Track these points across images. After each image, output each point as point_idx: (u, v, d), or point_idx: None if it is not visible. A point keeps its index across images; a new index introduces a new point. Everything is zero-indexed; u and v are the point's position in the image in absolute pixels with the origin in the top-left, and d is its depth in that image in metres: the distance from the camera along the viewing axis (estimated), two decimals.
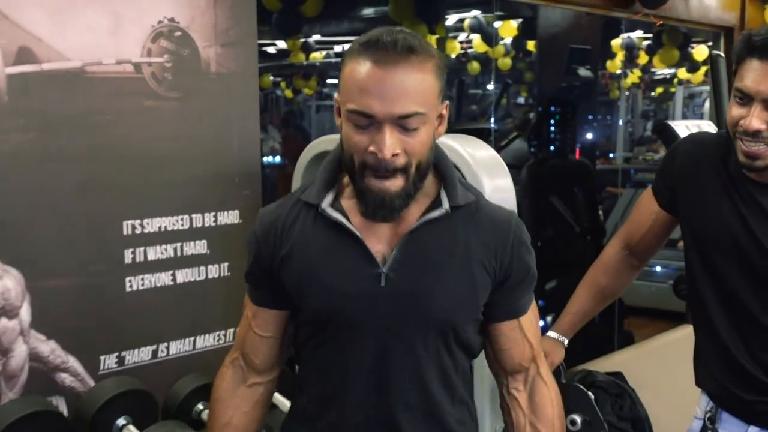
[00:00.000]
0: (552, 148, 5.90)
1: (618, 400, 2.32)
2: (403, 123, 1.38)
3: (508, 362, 1.63)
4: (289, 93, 11.84)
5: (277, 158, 8.26)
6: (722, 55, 3.83)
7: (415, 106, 1.38)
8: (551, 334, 2.17)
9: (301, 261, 1.53)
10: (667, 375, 2.27)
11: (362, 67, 1.39)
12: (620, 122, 10.82)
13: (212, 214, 2.39)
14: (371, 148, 1.39)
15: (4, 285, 2.01)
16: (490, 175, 2.18)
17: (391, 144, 1.37)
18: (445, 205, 1.51)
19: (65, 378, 2.15)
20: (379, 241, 1.51)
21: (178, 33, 2.29)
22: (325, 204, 1.51)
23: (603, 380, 2.35)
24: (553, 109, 6.05)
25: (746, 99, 1.71)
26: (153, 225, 2.27)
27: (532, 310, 1.64)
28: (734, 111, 1.74)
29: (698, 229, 1.93)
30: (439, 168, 1.55)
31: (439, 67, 1.45)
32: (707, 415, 1.97)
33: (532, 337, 1.63)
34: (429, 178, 1.52)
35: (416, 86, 1.39)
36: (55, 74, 2.06)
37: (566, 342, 2.16)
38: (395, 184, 1.42)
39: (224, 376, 1.68)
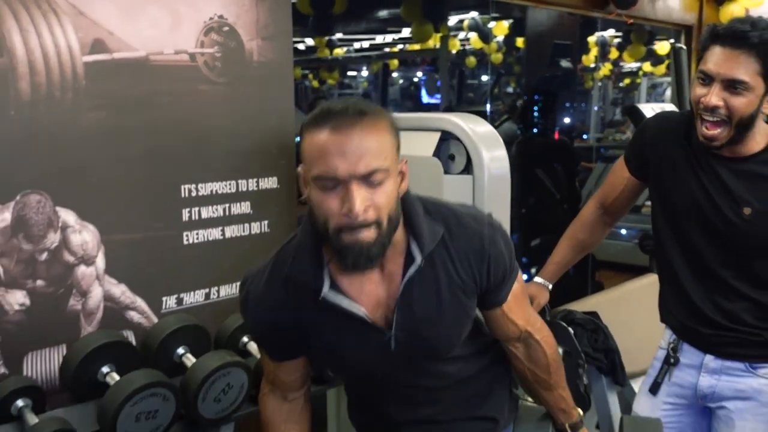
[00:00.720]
0: (536, 129, 5.92)
1: (593, 334, 2.36)
2: (367, 180, 1.27)
3: (500, 335, 1.65)
4: (315, 83, 11.81)
5: None
6: (684, 47, 3.81)
7: (376, 163, 1.27)
8: (538, 279, 2.18)
9: (318, 340, 1.49)
10: (633, 314, 2.29)
11: (321, 135, 1.27)
12: (594, 108, 10.74)
13: (254, 179, 2.40)
14: (344, 211, 1.27)
15: (83, 238, 2.03)
16: (488, 147, 2.20)
17: (360, 202, 1.26)
18: (418, 259, 1.41)
19: (134, 315, 2.17)
20: (371, 302, 1.45)
21: (226, 28, 2.29)
22: (326, 290, 1.40)
23: (581, 318, 2.37)
24: (536, 97, 6.06)
25: (708, 80, 1.71)
26: (206, 189, 2.28)
27: (513, 294, 1.58)
28: (697, 90, 1.74)
29: (665, 194, 1.93)
30: (405, 218, 1.43)
31: (392, 125, 1.35)
32: (670, 346, 1.99)
33: (516, 317, 1.60)
34: (399, 230, 1.41)
35: (373, 144, 1.28)
36: (123, 62, 2.06)
37: (550, 286, 2.18)
38: (368, 235, 1.30)
39: (267, 401, 1.66)
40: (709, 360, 1.91)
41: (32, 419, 1.78)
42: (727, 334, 1.86)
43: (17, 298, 1.93)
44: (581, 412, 1.71)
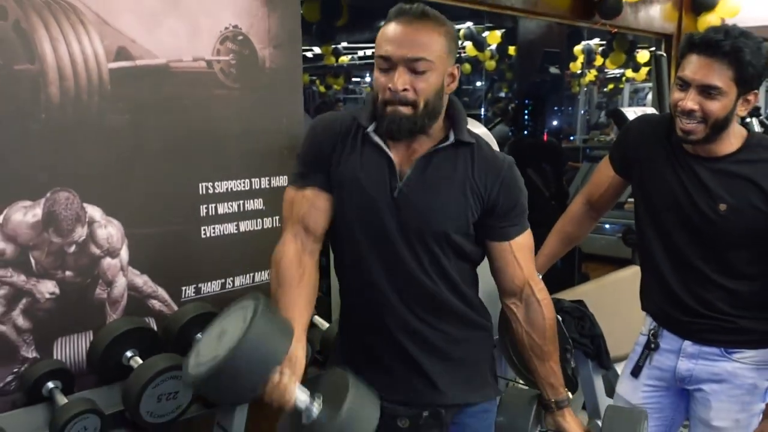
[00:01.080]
0: (526, 131, 5.93)
1: (580, 321, 2.35)
2: (412, 66, 1.44)
3: (503, 281, 1.64)
4: (322, 88, 11.79)
5: None
6: (664, 54, 3.81)
7: (422, 53, 1.44)
8: None
9: (349, 166, 1.57)
10: (616, 303, 2.29)
11: (389, 26, 1.47)
12: (580, 112, 10.73)
13: (267, 178, 2.41)
14: (389, 86, 1.45)
15: (108, 232, 2.04)
16: None
17: (401, 81, 1.44)
18: (451, 138, 1.55)
19: (155, 303, 2.18)
20: (401, 162, 1.56)
21: (241, 37, 2.29)
22: (370, 129, 1.55)
23: (568, 306, 2.37)
24: (527, 101, 6.07)
25: (685, 85, 1.72)
26: (222, 187, 2.29)
27: (524, 238, 1.63)
28: (675, 95, 1.75)
29: (647, 191, 1.93)
30: (452, 115, 1.58)
31: (449, 32, 1.51)
32: (651, 332, 1.99)
33: (522, 260, 1.62)
34: (441, 122, 1.57)
35: (425, 39, 1.45)
36: (146, 68, 2.07)
37: (540, 277, 2.18)
38: (404, 110, 1.47)
39: (289, 246, 1.62)
40: (687, 345, 1.91)
41: (62, 400, 1.79)
42: (704, 321, 1.87)
43: (48, 287, 1.94)
44: (570, 394, 1.69)
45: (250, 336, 1.21)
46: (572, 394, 2.28)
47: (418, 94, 1.46)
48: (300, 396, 1.31)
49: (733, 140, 1.79)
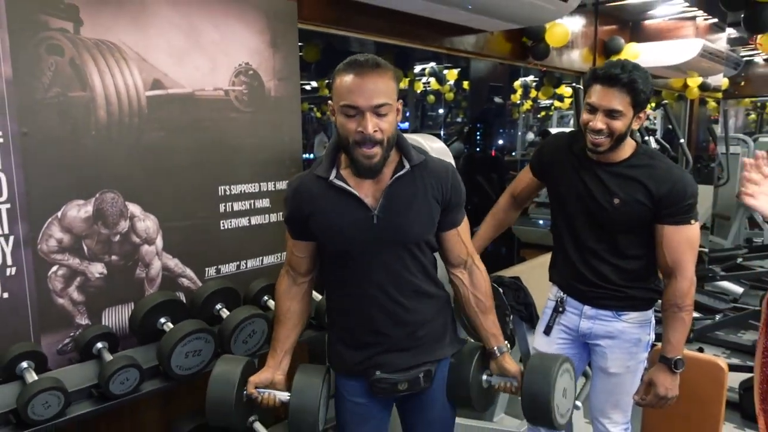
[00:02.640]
0: (477, 148, 5.95)
1: (516, 292, 2.36)
2: (377, 111, 1.38)
3: (452, 257, 1.62)
4: (318, 114, 11.76)
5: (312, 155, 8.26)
6: (582, 88, 3.83)
7: (384, 98, 1.38)
8: None
9: (322, 216, 1.50)
10: (544, 279, 2.29)
11: (348, 78, 1.38)
12: (519, 132, 10.79)
13: (272, 182, 2.38)
14: (359, 129, 1.38)
15: (146, 225, 2.01)
16: (442, 158, 2.19)
17: (372, 125, 1.37)
18: (407, 165, 1.49)
19: (184, 281, 2.15)
20: (368, 195, 1.49)
21: (251, 72, 2.27)
22: (332, 177, 1.48)
23: (508, 281, 2.37)
24: (478, 125, 6.08)
25: (593, 109, 1.73)
26: (237, 189, 2.26)
27: (465, 222, 1.62)
28: (585, 116, 1.76)
29: (558, 190, 1.94)
30: (400, 144, 1.51)
31: (395, 76, 1.45)
32: (558, 299, 2.00)
33: (465, 240, 1.62)
34: (393, 150, 1.49)
35: (383, 86, 1.38)
36: (175, 96, 2.05)
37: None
38: (376, 151, 1.41)
39: (282, 281, 1.66)
40: (587, 309, 1.93)
41: (108, 357, 1.76)
42: (599, 290, 1.89)
43: (97, 269, 1.91)
44: (508, 344, 1.68)
45: (210, 386, 1.55)
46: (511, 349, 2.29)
47: (383, 133, 1.40)
48: (281, 396, 1.56)
49: (626, 149, 1.80)
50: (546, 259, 2.19)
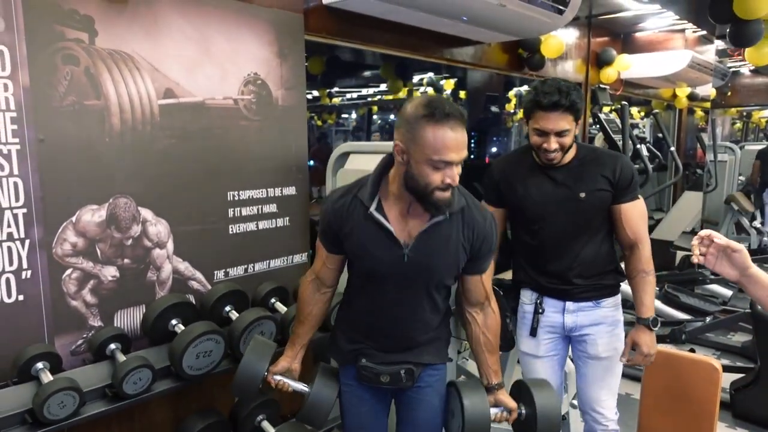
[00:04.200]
0: (473, 155, 5.97)
1: (516, 295, 2.33)
2: (459, 163, 1.39)
3: (471, 297, 1.62)
4: (319, 122, 11.75)
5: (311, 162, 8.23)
6: None
7: (465, 153, 1.39)
8: None
9: (356, 239, 1.51)
10: None
11: (442, 132, 1.35)
12: (513, 141, 10.81)
13: (279, 188, 2.38)
14: (446, 180, 1.38)
15: (158, 229, 2.01)
16: None
17: (456, 176, 1.39)
18: (447, 214, 1.48)
19: (194, 284, 2.15)
20: (403, 230, 1.49)
21: (260, 81, 2.27)
22: (372, 208, 1.48)
23: (507, 284, 2.35)
24: (474, 133, 6.09)
25: (543, 134, 1.81)
26: (245, 194, 2.26)
27: (491, 268, 1.63)
28: (536, 139, 1.84)
29: (520, 200, 1.95)
30: None
31: None
32: (536, 301, 2.01)
33: (487, 285, 1.62)
34: None
35: (465, 140, 1.38)
36: (187, 105, 2.05)
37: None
38: (450, 194, 1.42)
39: (307, 287, 1.66)
40: (570, 305, 1.97)
41: (121, 357, 1.75)
42: (579, 287, 1.94)
43: (110, 272, 1.90)
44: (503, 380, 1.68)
45: (241, 366, 1.59)
46: (511, 349, 2.27)
47: (456, 180, 1.41)
48: (295, 385, 1.63)
49: (571, 152, 1.89)
50: None
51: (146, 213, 1.97)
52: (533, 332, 2.03)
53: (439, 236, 1.49)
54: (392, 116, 12.77)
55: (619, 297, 2.01)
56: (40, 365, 1.63)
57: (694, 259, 1.37)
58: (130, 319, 1.97)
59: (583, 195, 1.86)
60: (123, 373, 1.65)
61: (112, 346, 1.79)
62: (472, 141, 6.05)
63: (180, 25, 2.01)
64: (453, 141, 1.34)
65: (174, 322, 1.90)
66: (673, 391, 1.99)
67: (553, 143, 1.79)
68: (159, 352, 1.85)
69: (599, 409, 2.02)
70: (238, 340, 1.87)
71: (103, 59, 1.83)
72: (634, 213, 1.88)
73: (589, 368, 2.02)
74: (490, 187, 2.04)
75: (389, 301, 1.55)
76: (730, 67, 6.29)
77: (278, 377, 1.62)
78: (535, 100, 1.78)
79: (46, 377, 1.60)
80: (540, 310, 2.01)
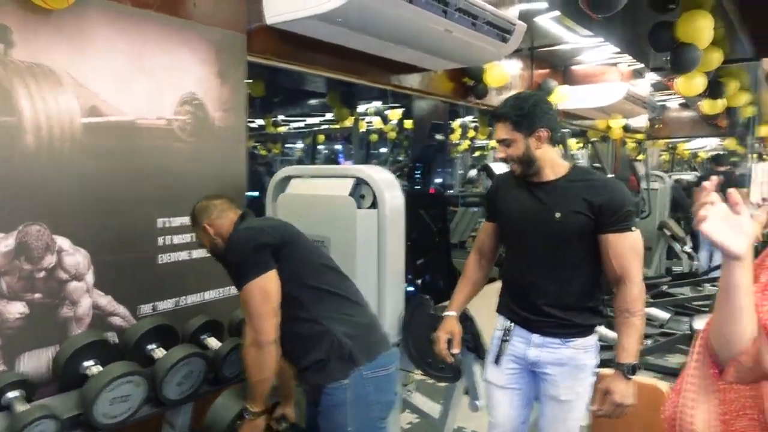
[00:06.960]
0: (418, 185, 5.93)
1: (464, 322, 2.19)
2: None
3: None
4: (264, 152, 11.55)
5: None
6: None
7: None
8: (449, 313, 2.01)
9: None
10: (491, 308, 2.18)
11: None
12: (458, 171, 10.92)
13: None
14: None
15: (76, 259, 1.79)
16: (388, 188, 2.09)
17: None
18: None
19: (116, 319, 1.92)
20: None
21: (196, 101, 2.10)
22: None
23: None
24: (418, 164, 6.07)
25: (503, 144, 1.81)
26: (177, 221, 2.07)
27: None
28: (501, 152, 1.84)
29: (506, 214, 1.89)
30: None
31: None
32: (506, 328, 1.90)
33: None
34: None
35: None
36: (115, 124, 1.87)
37: (454, 313, 2.03)
38: None
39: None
40: (536, 338, 1.84)
41: (21, 407, 1.49)
42: (547, 320, 1.82)
43: (17, 308, 1.67)
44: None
45: None
46: (456, 381, 2.15)
47: None
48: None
49: (557, 169, 1.81)
50: (490, 288, 2.08)
51: (63, 242, 1.75)
52: (497, 360, 1.91)
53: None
54: (338, 145, 12.72)
55: (592, 339, 1.84)
56: None
57: (700, 225, 1.25)
58: (38, 361, 1.71)
59: (558, 215, 1.75)
60: (21, 425, 1.39)
61: (10, 394, 1.52)
62: (418, 170, 5.99)
63: (111, 39, 1.83)
64: None
65: (88, 363, 1.65)
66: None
67: (500, 152, 1.82)
68: (69, 398, 1.60)
69: None
70: (162, 381, 1.65)
71: (20, 72, 1.64)
72: (624, 245, 1.72)
73: (549, 408, 1.89)
74: (487, 201, 2.03)
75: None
76: (659, 101, 6.55)
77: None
78: (494, 112, 1.83)
79: None
80: (506, 338, 1.89)
